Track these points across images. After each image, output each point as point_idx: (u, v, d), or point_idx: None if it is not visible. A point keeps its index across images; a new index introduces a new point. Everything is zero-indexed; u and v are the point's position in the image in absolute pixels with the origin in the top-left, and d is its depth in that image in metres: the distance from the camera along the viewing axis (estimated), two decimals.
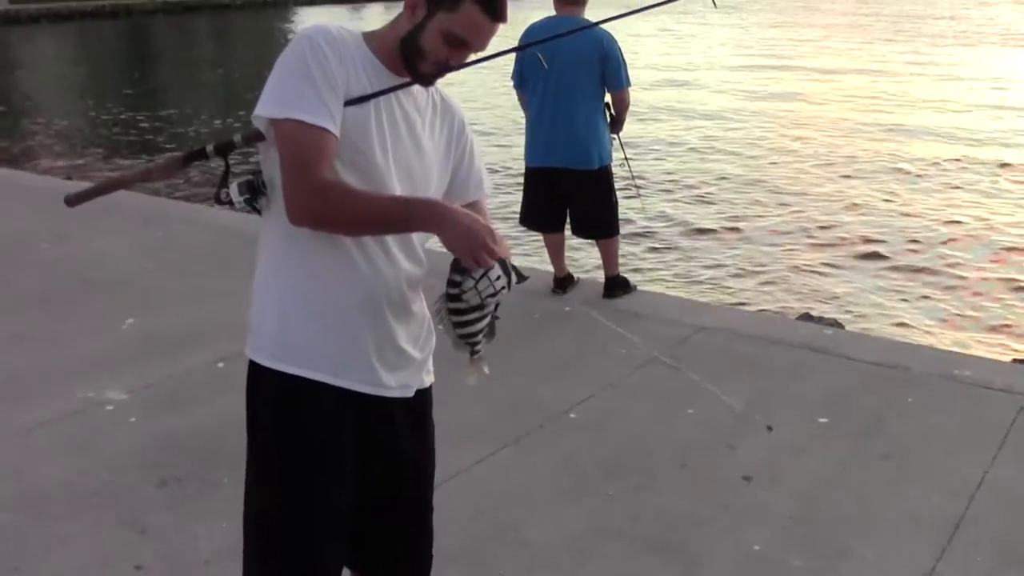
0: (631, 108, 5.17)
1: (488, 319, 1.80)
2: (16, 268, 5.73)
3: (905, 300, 7.03)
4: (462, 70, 1.82)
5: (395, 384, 1.86)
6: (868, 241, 8.37)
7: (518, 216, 5.41)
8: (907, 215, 9.23)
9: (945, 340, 6.23)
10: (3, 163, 11.66)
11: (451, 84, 1.88)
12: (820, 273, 7.62)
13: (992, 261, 7.90)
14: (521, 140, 5.34)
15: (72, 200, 1.93)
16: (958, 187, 10.34)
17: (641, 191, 8.35)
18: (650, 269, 7.66)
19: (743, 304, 6.79)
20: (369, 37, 1.81)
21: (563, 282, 5.28)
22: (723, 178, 10.87)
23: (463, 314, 1.75)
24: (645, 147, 12.19)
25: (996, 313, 6.77)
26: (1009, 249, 8.18)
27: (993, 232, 8.67)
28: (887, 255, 8.01)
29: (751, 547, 2.95)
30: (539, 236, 5.60)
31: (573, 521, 3.09)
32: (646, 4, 2.27)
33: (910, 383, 4.09)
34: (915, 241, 8.36)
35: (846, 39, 28.20)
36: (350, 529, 1.89)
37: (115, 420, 3.78)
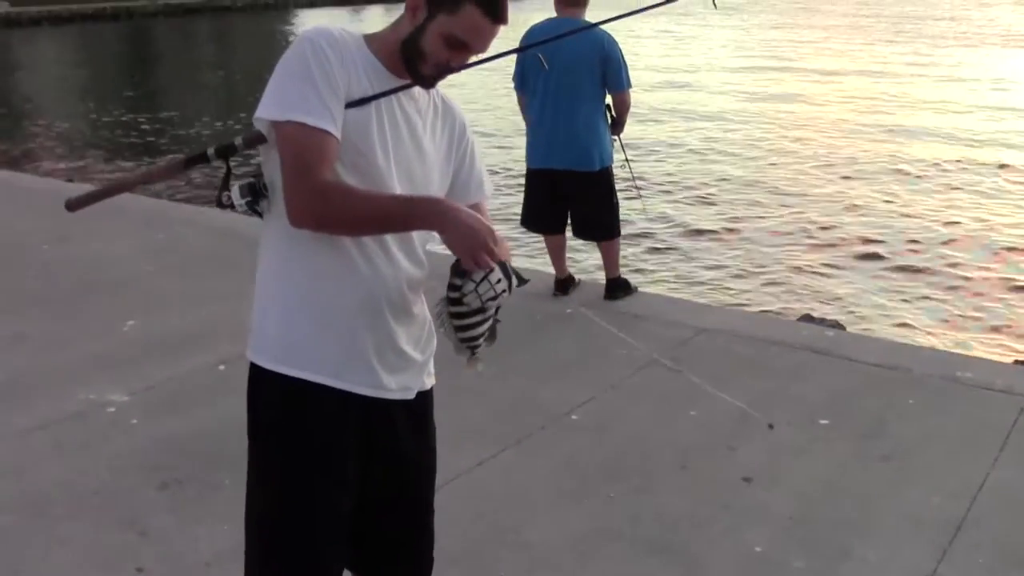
0: (632, 109, 5.17)
1: (489, 322, 1.80)
2: (17, 270, 5.74)
3: (906, 301, 7.04)
4: (463, 71, 1.82)
5: (396, 386, 1.86)
6: (869, 242, 8.38)
7: (519, 218, 5.42)
8: (908, 216, 9.23)
9: (946, 341, 6.23)
10: (4, 165, 11.68)
11: (452, 86, 1.88)
12: (821, 274, 7.62)
13: (993, 262, 7.90)
14: (522, 142, 5.35)
15: (73, 205, 1.90)
16: (958, 188, 10.35)
17: (642, 192, 8.35)
18: (651, 270, 7.67)
19: (744, 305, 6.80)
20: (370, 39, 1.81)
21: (564, 284, 5.28)
22: (724, 179, 10.88)
23: (464, 317, 1.75)
24: (646, 148, 12.20)
25: (998, 314, 6.77)
26: (1010, 250, 8.18)
27: (994, 233, 8.67)
28: (888, 256, 8.02)
29: (752, 548, 2.94)
30: (540, 238, 5.60)
31: (574, 523, 3.09)
32: (647, 4, 2.27)
33: (911, 384, 4.09)
34: (916, 242, 8.37)
35: (847, 40, 28.21)
36: (351, 531, 1.89)
37: (116, 422, 3.78)
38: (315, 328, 1.78)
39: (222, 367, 4.20)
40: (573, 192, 5.09)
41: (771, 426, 3.64)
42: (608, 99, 5.04)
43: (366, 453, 1.86)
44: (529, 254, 6.96)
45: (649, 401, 3.97)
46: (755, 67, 21.66)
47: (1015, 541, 2.98)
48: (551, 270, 5.38)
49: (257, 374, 1.82)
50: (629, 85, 5.02)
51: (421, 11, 1.73)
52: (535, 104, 5.04)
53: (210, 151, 1.84)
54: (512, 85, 5.24)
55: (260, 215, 1.81)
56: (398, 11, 1.79)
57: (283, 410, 1.81)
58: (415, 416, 1.94)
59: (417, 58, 1.75)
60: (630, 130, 5.45)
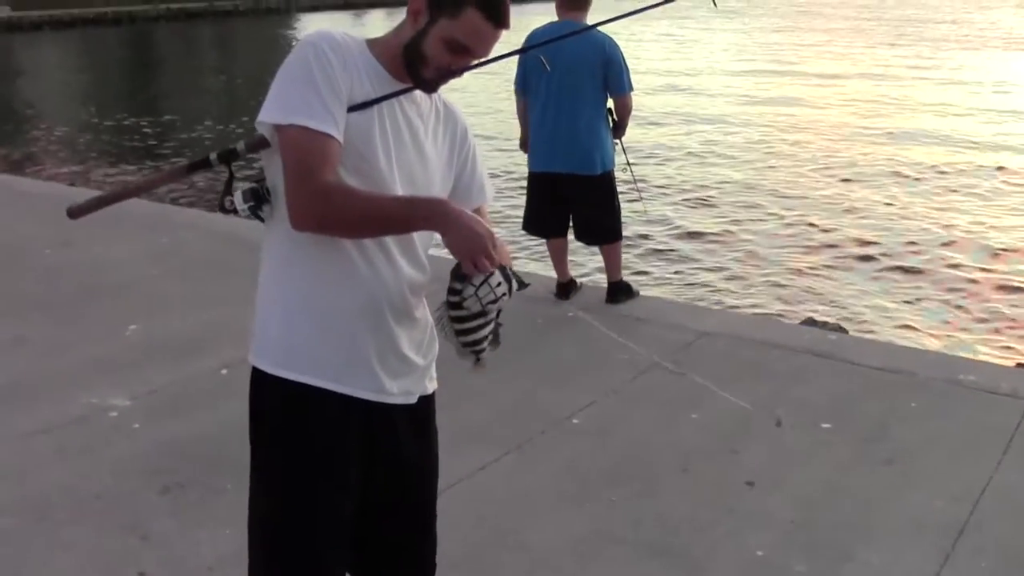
0: (633, 113, 5.17)
1: (491, 326, 1.80)
2: (20, 273, 5.74)
3: (908, 304, 7.03)
4: (465, 75, 1.82)
5: (398, 391, 1.86)
6: (870, 244, 8.38)
7: (521, 221, 5.42)
8: (907, 218, 9.23)
9: (949, 343, 6.22)
10: (7, 169, 11.70)
11: (454, 89, 1.88)
12: (823, 277, 7.62)
13: (995, 264, 7.89)
14: None
15: (75, 212, 1.87)
16: (958, 191, 10.35)
17: (643, 196, 8.35)
18: (653, 274, 7.66)
19: (746, 308, 6.79)
20: (372, 43, 1.81)
21: (566, 288, 5.28)
22: (725, 182, 10.89)
23: (465, 321, 1.76)
24: (647, 152, 12.20)
25: (1001, 317, 6.76)
26: (1011, 251, 8.18)
27: (994, 235, 8.67)
28: (889, 258, 8.02)
29: (754, 552, 2.94)
30: (542, 241, 5.59)
31: (575, 527, 3.09)
32: (647, 5, 2.27)
33: (914, 388, 4.08)
34: (918, 244, 8.37)
35: (848, 43, 28.24)
36: (353, 535, 1.89)
37: (118, 426, 3.78)
38: (316, 331, 1.78)
39: (224, 371, 4.20)
40: (575, 196, 5.09)
41: (779, 423, 3.63)
42: (610, 102, 5.05)
43: (368, 457, 1.86)
44: (530, 258, 6.96)
45: (651, 405, 3.96)
46: (756, 70, 21.69)
47: (1018, 545, 2.97)
48: (552, 274, 5.38)
49: (259, 378, 1.82)
50: (631, 88, 5.02)
51: (423, 15, 1.74)
52: (537, 106, 5.04)
53: (213, 156, 1.83)
54: (513, 88, 5.24)
55: (262, 220, 1.81)
56: (400, 15, 1.79)
57: (285, 415, 1.81)
58: (417, 420, 1.94)
59: (419, 62, 1.75)
60: (631, 133, 5.44)
